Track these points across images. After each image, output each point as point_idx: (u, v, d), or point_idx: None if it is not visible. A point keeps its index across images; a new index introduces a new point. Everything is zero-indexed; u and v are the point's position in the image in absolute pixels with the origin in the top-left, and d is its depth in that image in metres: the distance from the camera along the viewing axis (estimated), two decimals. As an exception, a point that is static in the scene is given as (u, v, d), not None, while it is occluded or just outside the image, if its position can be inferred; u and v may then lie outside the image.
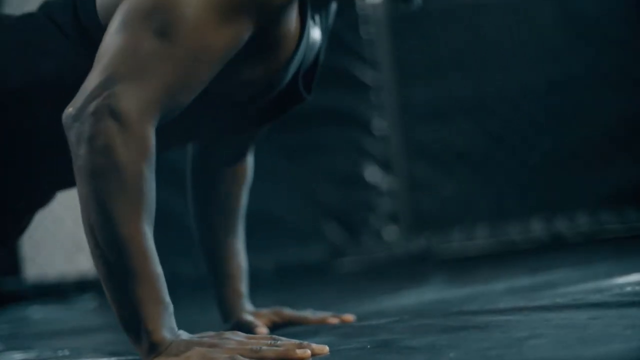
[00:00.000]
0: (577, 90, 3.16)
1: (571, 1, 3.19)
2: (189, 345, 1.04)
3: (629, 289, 1.40)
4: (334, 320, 1.52)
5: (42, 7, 1.30)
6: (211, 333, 1.08)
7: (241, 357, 1.02)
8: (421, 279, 2.47)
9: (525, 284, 1.87)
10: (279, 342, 1.07)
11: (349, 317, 1.54)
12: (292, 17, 1.20)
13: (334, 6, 1.43)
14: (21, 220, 1.38)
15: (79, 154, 1.04)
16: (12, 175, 1.28)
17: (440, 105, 3.28)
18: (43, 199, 1.38)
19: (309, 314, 1.56)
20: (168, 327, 1.05)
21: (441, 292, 2.06)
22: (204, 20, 1.07)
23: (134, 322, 1.05)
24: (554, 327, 1.07)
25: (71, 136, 1.06)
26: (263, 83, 1.24)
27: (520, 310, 1.29)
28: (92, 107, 1.04)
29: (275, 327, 1.51)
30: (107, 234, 1.03)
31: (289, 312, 1.56)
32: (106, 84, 1.04)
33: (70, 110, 1.06)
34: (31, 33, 1.25)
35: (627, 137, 3.12)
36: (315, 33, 1.33)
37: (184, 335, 1.06)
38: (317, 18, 1.35)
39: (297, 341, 1.08)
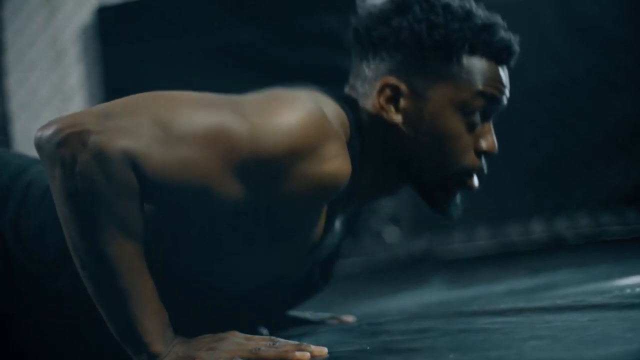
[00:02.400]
0: (578, 92, 3.16)
1: (572, 3, 3.19)
2: (187, 350, 1.04)
3: (629, 290, 1.40)
4: (333, 321, 1.52)
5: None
6: (209, 336, 1.07)
7: (240, 359, 1.02)
8: (422, 280, 2.47)
9: (525, 285, 1.87)
10: (277, 343, 1.06)
11: (349, 318, 1.54)
12: (317, 213, 1.18)
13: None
14: None
15: (55, 175, 1.02)
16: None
17: (440, 106, 3.28)
18: None
19: (308, 314, 1.56)
20: (165, 337, 1.05)
21: (442, 294, 2.06)
22: (207, 150, 1.04)
23: (130, 337, 1.04)
24: (554, 329, 1.07)
25: (43, 157, 1.03)
26: (276, 271, 1.22)
27: (520, 311, 1.29)
28: (70, 132, 1.00)
29: (275, 328, 1.51)
30: (92, 254, 1.02)
31: (289, 313, 1.56)
32: (95, 120, 1.01)
33: (42, 132, 1.03)
34: None
35: (627, 139, 3.12)
36: (339, 227, 1.32)
37: (182, 341, 1.06)
38: (347, 215, 1.35)
39: (296, 342, 1.07)
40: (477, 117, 1.26)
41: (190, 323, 1.09)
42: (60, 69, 3.57)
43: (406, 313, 1.56)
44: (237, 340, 1.06)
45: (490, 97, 1.27)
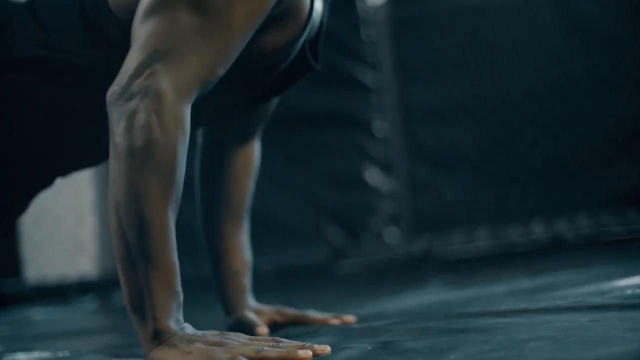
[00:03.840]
0: (578, 92, 3.16)
1: (572, 3, 3.19)
2: (191, 340, 1.04)
3: (629, 291, 1.40)
4: (335, 322, 1.52)
5: None
6: (214, 332, 1.08)
7: (243, 358, 1.02)
8: (422, 281, 2.46)
9: (525, 286, 1.87)
10: (280, 343, 1.07)
11: (350, 319, 1.54)
12: None
13: None
14: (20, 202, 1.38)
15: (117, 132, 1.05)
16: (15, 153, 1.28)
17: (440, 107, 3.28)
18: (43, 182, 1.39)
19: (309, 314, 1.56)
20: (175, 317, 1.05)
21: (442, 294, 2.06)
22: None
23: (141, 306, 1.05)
24: (555, 330, 1.07)
25: (113, 113, 1.07)
26: (281, 51, 1.26)
27: (520, 312, 1.29)
28: (135, 86, 1.05)
29: (276, 327, 1.51)
30: (131, 214, 1.04)
31: (290, 311, 1.56)
32: (147, 62, 1.06)
33: (115, 88, 1.08)
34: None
35: (627, 139, 3.12)
36: (318, 3, 1.35)
37: (189, 329, 1.06)
38: None
39: (299, 342, 1.08)
40: None
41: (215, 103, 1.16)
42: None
43: (406, 313, 1.56)
44: (240, 340, 1.06)
45: None
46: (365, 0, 3.32)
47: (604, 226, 3.06)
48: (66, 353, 1.61)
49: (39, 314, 2.86)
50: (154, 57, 1.07)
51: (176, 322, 1.05)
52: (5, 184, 1.31)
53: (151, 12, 1.11)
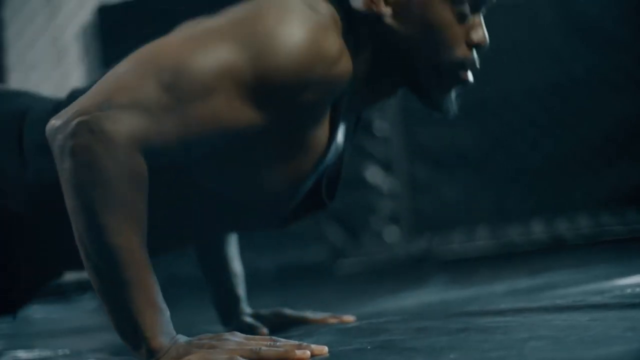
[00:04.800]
0: (578, 92, 3.16)
1: (572, 3, 3.19)
2: (188, 348, 1.04)
3: (629, 290, 1.40)
4: (334, 321, 1.52)
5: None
6: (209, 335, 1.07)
7: (240, 358, 1.01)
8: (422, 280, 2.47)
9: (525, 285, 1.87)
10: (278, 343, 1.06)
11: (349, 318, 1.54)
12: (324, 119, 1.20)
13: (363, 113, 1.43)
14: (29, 293, 1.37)
15: (64, 167, 1.03)
16: (23, 247, 1.28)
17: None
18: (51, 275, 1.37)
19: (309, 314, 1.56)
20: (166, 333, 1.05)
21: (442, 294, 2.06)
22: (217, 95, 1.07)
23: (131, 331, 1.04)
24: (554, 329, 1.07)
25: (54, 148, 1.05)
26: (287, 183, 1.22)
27: (520, 311, 1.29)
28: (78, 121, 1.02)
29: (275, 328, 1.51)
30: (97, 245, 1.02)
31: (288, 312, 1.56)
32: (99, 105, 1.03)
33: (54, 122, 1.05)
34: None
35: (627, 139, 3.12)
36: (341, 137, 1.32)
37: (182, 339, 1.06)
38: (347, 122, 1.35)
39: (296, 342, 1.07)
40: (466, 7, 1.24)
41: (196, 229, 1.10)
42: (61, 69, 3.57)
43: (406, 313, 1.56)
44: (237, 340, 1.06)
45: None
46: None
47: (604, 226, 3.06)
48: (66, 351, 1.61)
49: (39, 312, 2.86)
50: (108, 103, 1.03)
51: (168, 336, 1.05)
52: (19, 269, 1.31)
53: (126, 64, 1.10)
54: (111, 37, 3.49)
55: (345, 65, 1.16)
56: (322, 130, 1.21)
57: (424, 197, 3.27)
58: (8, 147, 1.25)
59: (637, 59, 3.12)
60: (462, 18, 1.24)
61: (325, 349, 1.08)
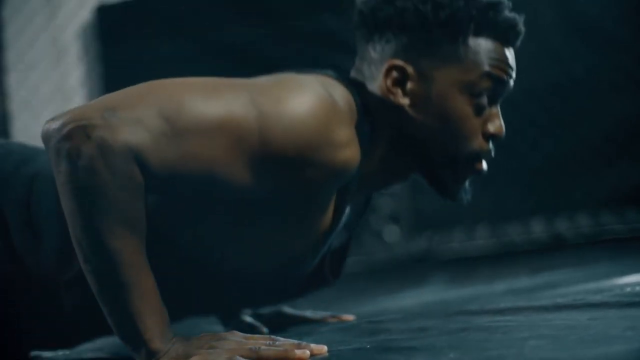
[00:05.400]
0: (578, 92, 3.16)
1: (572, 3, 3.19)
2: (187, 348, 1.04)
3: (629, 289, 1.40)
4: (333, 320, 1.52)
5: None
6: (209, 334, 1.07)
7: (240, 358, 1.01)
8: (421, 280, 2.47)
9: (525, 284, 1.87)
10: (277, 342, 1.06)
11: (349, 317, 1.54)
12: (326, 201, 1.19)
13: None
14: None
15: (60, 170, 1.03)
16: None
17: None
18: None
19: (308, 313, 1.56)
20: (165, 334, 1.04)
21: (441, 293, 2.06)
22: (215, 141, 1.05)
23: (130, 333, 1.04)
24: (554, 328, 1.07)
25: (49, 150, 1.04)
26: (287, 259, 1.21)
27: (520, 310, 1.29)
28: (75, 126, 1.01)
29: (275, 327, 1.51)
30: (94, 248, 1.02)
31: (288, 311, 1.56)
32: (101, 114, 1.02)
33: (49, 125, 1.04)
34: None
35: (627, 139, 3.12)
36: (349, 212, 1.32)
37: (182, 339, 1.06)
38: (357, 203, 1.35)
39: (295, 341, 1.07)
40: (484, 100, 1.25)
41: (196, 304, 1.09)
42: (60, 69, 3.57)
43: (406, 312, 1.56)
44: (236, 339, 1.06)
45: (497, 79, 1.26)
46: None
47: (604, 225, 3.06)
48: (66, 351, 1.60)
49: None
50: (110, 113, 1.02)
51: (167, 338, 1.05)
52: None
53: (134, 86, 1.08)
54: (111, 37, 3.49)
55: (351, 153, 1.14)
56: (326, 212, 1.20)
57: (424, 196, 3.26)
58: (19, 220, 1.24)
59: (637, 59, 3.12)
60: (479, 110, 1.25)
61: (325, 348, 1.08)
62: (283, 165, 1.09)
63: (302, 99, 1.10)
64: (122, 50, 3.42)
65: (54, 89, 3.53)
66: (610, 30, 3.14)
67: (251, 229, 1.15)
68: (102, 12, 3.53)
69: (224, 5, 3.39)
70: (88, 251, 1.03)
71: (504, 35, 1.27)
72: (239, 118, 1.06)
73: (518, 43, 1.31)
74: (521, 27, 1.30)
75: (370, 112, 1.25)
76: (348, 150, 1.13)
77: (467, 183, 1.31)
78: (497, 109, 1.28)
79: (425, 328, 1.20)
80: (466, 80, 1.23)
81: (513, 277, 2.11)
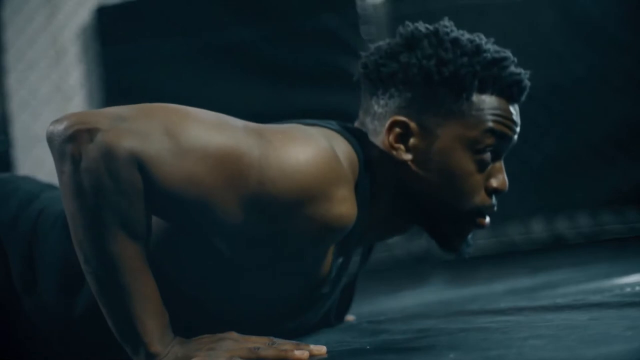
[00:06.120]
0: (578, 92, 3.16)
1: (572, 3, 3.19)
2: (187, 351, 1.04)
3: (629, 289, 1.40)
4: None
5: None
6: (208, 336, 1.07)
7: (239, 359, 1.01)
8: (421, 280, 2.47)
9: (525, 284, 1.87)
10: (276, 342, 1.06)
11: (349, 317, 1.53)
12: (320, 254, 1.18)
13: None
14: None
15: (63, 171, 1.02)
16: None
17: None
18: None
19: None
20: (165, 337, 1.04)
21: (441, 293, 2.06)
22: (213, 167, 1.03)
23: (130, 335, 1.04)
24: (554, 328, 1.07)
25: (53, 152, 1.04)
26: (278, 303, 1.21)
27: (520, 310, 1.29)
28: (82, 128, 1.01)
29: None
30: (95, 250, 1.02)
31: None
32: (105, 120, 1.02)
33: (54, 126, 1.04)
34: None
35: (627, 139, 3.12)
36: (353, 267, 1.32)
37: (181, 341, 1.06)
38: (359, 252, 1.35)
39: (295, 342, 1.07)
40: (487, 156, 1.25)
41: (192, 333, 1.09)
42: (60, 69, 3.57)
43: (406, 312, 1.56)
44: (235, 340, 1.06)
45: (501, 135, 1.25)
46: (365, -1, 3.32)
47: (604, 225, 3.06)
48: None
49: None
50: (115, 120, 1.02)
51: (167, 340, 1.05)
52: None
53: (142, 104, 1.07)
54: (110, 38, 3.49)
55: (346, 210, 1.11)
56: (320, 262, 1.19)
57: (424, 196, 3.27)
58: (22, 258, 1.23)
59: (637, 60, 3.12)
60: (482, 166, 1.25)
61: (324, 348, 1.08)
62: (276, 210, 1.07)
63: (306, 149, 1.08)
64: (122, 51, 3.42)
65: (53, 89, 3.53)
66: (610, 30, 3.14)
67: (241, 269, 1.15)
68: (101, 13, 3.53)
69: (224, 5, 3.39)
70: (88, 252, 1.03)
71: (508, 91, 1.27)
72: (241, 152, 1.05)
73: (523, 98, 1.30)
74: (526, 83, 1.30)
75: (372, 165, 1.25)
76: (344, 206, 1.11)
77: (469, 237, 1.31)
78: (501, 163, 1.28)
79: (425, 328, 1.20)
80: (469, 137, 1.23)
81: (513, 277, 2.11)
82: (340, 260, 1.24)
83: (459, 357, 0.94)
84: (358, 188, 1.19)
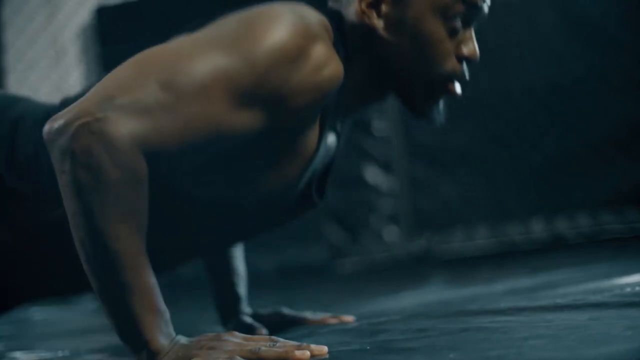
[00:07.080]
0: (579, 92, 3.16)
1: (572, 3, 3.19)
2: (187, 350, 1.04)
3: (629, 289, 1.40)
4: (333, 321, 1.52)
5: None
6: (209, 335, 1.07)
7: (240, 359, 1.01)
8: (421, 280, 2.47)
9: (525, 284, 1.87)
10: (277, 343, 1.06)
11: (349, 318, 1.54)
12: (314, 123, 1.20)
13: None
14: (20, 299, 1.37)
15: (64, 170, 1.02)
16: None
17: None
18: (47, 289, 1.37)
19: (308, 314, 1.56)
20: (165, 335, 1.04)
21: (441, 293, 2.06)
22: (213, 96, 1.07)
23: (131, 333, 1.04)
24: (554, 328, 1.07)
25: (54, 150, 1.04)
26: (278, 188, 1.22)
27: (520, 310, 1.29)
28: (79, 123, 1.01)
29: (275, 328, 1.51)
30: (97, 249, 1.02)
31: (288, 312, 1.56)
32: (100, 106, 1.02)
33: (52, 124, 1.04)
34: None
35: (627, 139, 3.12)
36: (332, 139, 1.33)
37: (182, 340, 1.06)
38: (337, 125, 1.35)
39: (296, 342, 1.07)
40: (457, 23, 1.26)
41: (192, 242, 1.10)
42: (60, 69, 3.57)
43: (406, 312, 1.56)
44: (236, 340, 1.06)
45: (470, 4, 1.26)
46: None
47: (604, 224, 3.07)
48: (66, 352, 1.61)
49: (39, 314, 2.86)
50: (110, 104, 1.02)
51: (168, 338, 1.04)
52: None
53: (127, 65, 1.10)
54: (110, 38, 3.49)
55: (333, 69, 1.15)
56: (313, 134, 1.21)
57: (424, 196, 3.27)
58: (1, 159, 1.24)
59: (637, 60, 3.12)
60: (453, 32, 1.26)
61: (325, 349, 1.08)
62: (274, 98, 1.11)
63: (278, 28, 1.12)
64: (122, 51, 3.41)
65: (53, 89, 3.53)
66: (610, 30, 3.14)
67: (247, 164, 1.17)
68: (101, 13, 3.53)
69: (224, 5, 3.39)
70: (91, 252, 1.03)
71: None
72: (226, 71, 1.08)
73: None
74: None
75: (346, 35, 1.27)
76: (330, 66, 1.15)
77: (440, 104, 1.32)
78: (471, 32, 1.29)
79: (425, 328, 1.20)
80: (440, 4, 1.25)
81: (513, 277, 2.11)
82: (324, 134, 1.26)
83: (459, 357, 0.94)
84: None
